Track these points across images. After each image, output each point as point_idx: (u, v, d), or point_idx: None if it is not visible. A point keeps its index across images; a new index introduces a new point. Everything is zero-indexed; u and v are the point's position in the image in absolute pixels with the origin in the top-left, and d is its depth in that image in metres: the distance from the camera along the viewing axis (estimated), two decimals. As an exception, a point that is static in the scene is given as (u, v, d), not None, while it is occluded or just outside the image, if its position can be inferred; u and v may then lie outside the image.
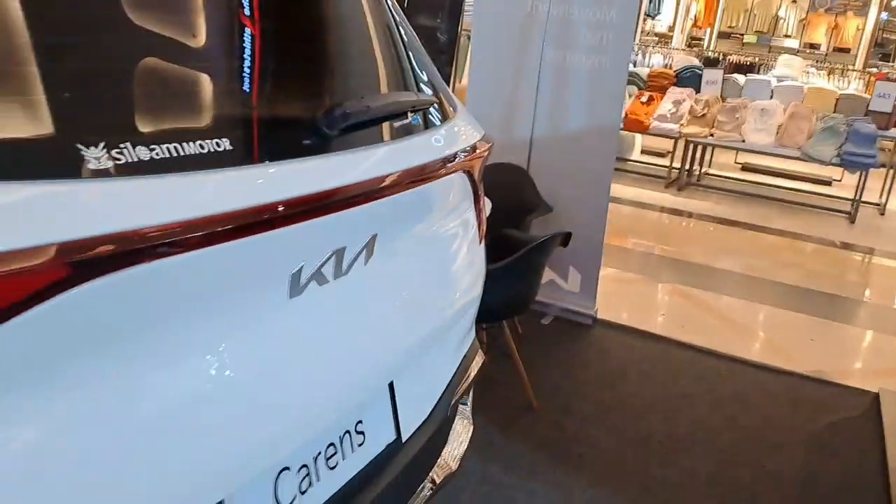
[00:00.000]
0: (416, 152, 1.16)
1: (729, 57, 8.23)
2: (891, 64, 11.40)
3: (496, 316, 2.44)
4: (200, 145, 0.78)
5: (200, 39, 0.84)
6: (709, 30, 11.68)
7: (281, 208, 0.83)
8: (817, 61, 8.70)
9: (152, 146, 0.73)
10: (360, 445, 1.14)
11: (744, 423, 2.67)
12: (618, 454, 2.41)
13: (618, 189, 4.64)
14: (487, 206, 1.67)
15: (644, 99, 6.36)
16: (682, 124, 6.06)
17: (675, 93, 6.37)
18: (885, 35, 12.24)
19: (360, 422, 1.14)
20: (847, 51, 11.27)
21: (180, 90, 0.82)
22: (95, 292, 0.66)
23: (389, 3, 1.31)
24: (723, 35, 11.99)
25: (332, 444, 1.08)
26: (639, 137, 7.18)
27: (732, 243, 5.08)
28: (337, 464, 1.09)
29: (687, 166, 6.48)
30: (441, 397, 1.39)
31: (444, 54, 3.92)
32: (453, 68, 4.91)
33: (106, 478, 0.72)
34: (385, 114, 1.10)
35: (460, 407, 1.59)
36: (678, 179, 6.49)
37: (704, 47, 10.77)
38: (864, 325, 3.91)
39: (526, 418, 2.55)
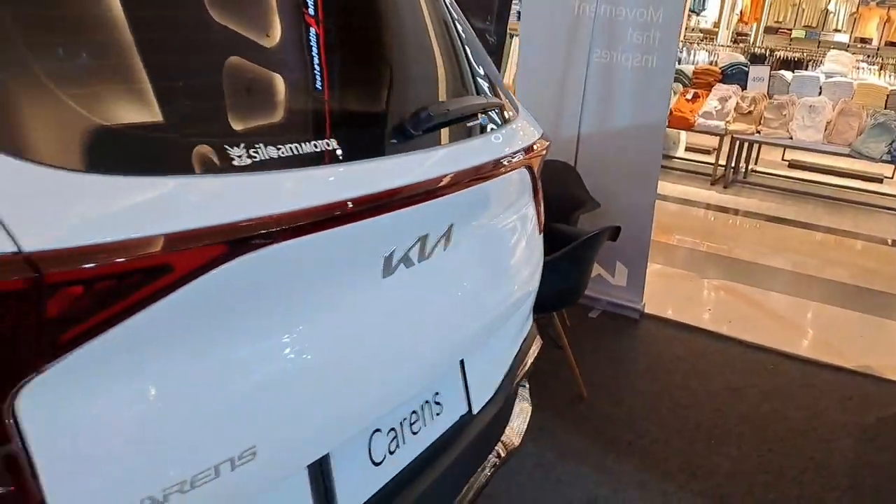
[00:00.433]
0: (485, 150, 1.27)
1: (776, 53, 8.13)
2: (946, 57, 11.07)
3: (547, 306, 2.54)
4: (315, 145, 0.91)
5: (317, 58, 0.97)
6: (755, 25, 11.52)
7: (379, 199, 0.95)
8: (868, 56, 8.53)
9: (278, 146, 0.86)
10: (437, 415, 1.26)
11: (792, 417, 2.71)
12: (666, 443, 2.48)
13: (663, 186, 4.68)
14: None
15: (689, 96, 6.36)
16: (728, 121, 6.04)
17: (720, 90, 6.35)
18: (940, 28, 11.89)
19: (437, 393, 1.26)
20: (900, 45, 11.01)
21: (298, 101, 0.95)
22: (242, 266, 0.79)
23: (455, 12, 1.42)
24: (769, 30, 11.79)
25: (414, 412, 1.20)
26: (683, 134, 7.17)
27: (780, 240, 5.07)
28: (419, 430, 1.21)
29: (733, 163, 6.46)
30: (504, 377, 1.51)
31: (494, 55, 4.04)
32: (501, 69, 5.03)
33: (243, 423, 0.85)
34: (461, 115, 1.22)
35: (520, 389, 1.70)
36: (724, 177, 6.47)
37: (750, 43, 10.64)
38: (915, 323, 3.89)
39: (576, 407, 2.65)
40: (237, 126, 0.85)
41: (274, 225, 0.81)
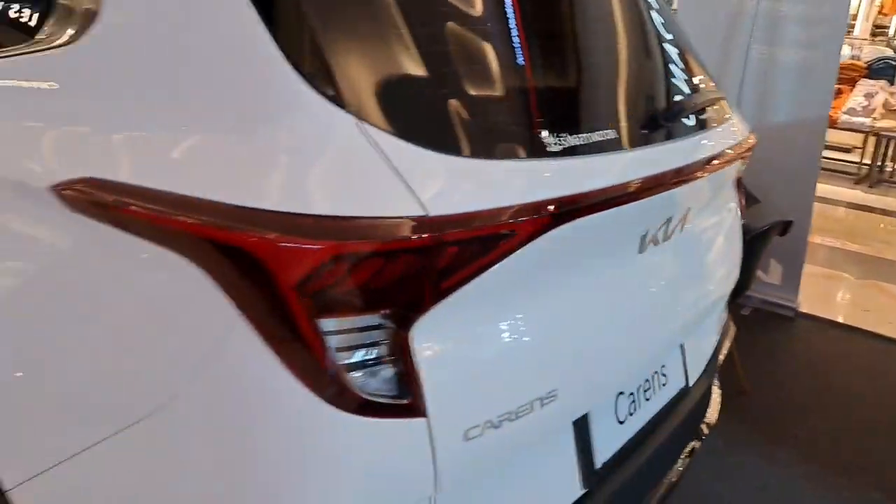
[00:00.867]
0: (717, 141, 1.37)
1: (925, 45, 7.64)
2: None
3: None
4: (603, 134, 1.05)
5: (602, 61, 1.12)
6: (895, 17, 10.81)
7: (655, 181, 1.08)
8: None
9: (582, 134, 1.01)
10: (663, 385, 1.37)
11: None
12: (834, 438, 2.47)
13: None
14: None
15: (831, 92, 6.11)
16: (874, 118, 5.76)
17: (866, 85, 6.06)
18: None
19: (663, 366, 1.38)
20: None
21: (596, 93, 1.10)
22: (556, 235, 0.94)
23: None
24: (912, 22, 11.02)
25: (647, 380, 1.33)
26: (821, 133, 6.86)
27: (936, 243, 4.80)
28: (650, 397, 1.33)
29: (879, 162, 6.15)
30: (709, 361, 1.60)
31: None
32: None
33: (551, 368, 1.00)
34: (700, 108, 1.32)
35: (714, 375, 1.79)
36: (869, 175, 6.17)
37: (890, 36, 10.00)
38: None
39: (739, 400, 2.67)
40: (550, 119, 1.00)
41: (582, 201, 0.96)
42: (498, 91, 0.96)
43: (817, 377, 2.87)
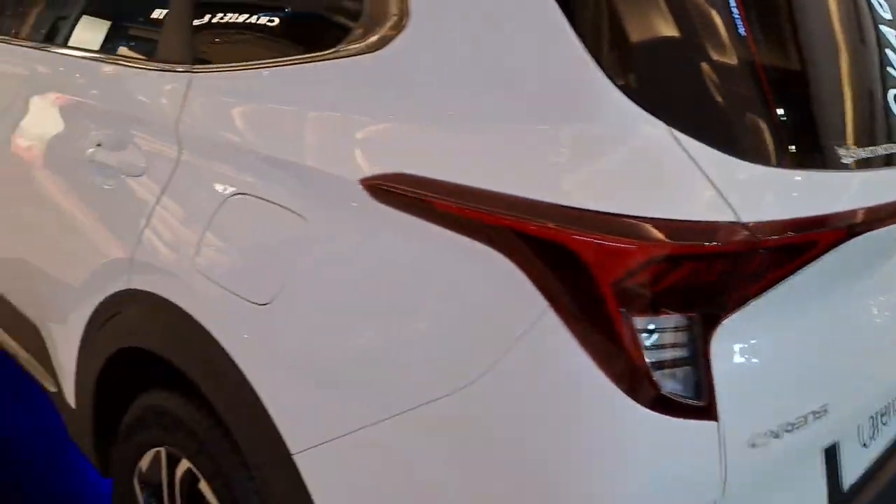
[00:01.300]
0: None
1: None
2: None
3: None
4: (888, 147, 1.03)
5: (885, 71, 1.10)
6: None
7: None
8: None
9: (869, 147, 0.99)
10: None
11: None
12: None
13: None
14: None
15: None
16: None
17: None
18: None
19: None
20: None
21: (879, 106, 1.09)
22: (850, 247, 0.93)
23: None
24: None
25: (887, 404, 1.28)
26: None
27: None
28: (888, 422, 1.28)
29: None
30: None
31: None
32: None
33: (827, 380, 0.99)
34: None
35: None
36: None
37: None
38: None
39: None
40: (843, 131, 0.99)
41: (876, 214, 0.94)
42: (804, 102, 0.97)
43: None
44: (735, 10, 0.93)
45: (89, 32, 1.77)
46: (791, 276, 0.88)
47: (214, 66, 1.29)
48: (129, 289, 1.34)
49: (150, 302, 1.29)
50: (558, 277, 0.84)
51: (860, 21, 1.11)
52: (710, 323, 0.85)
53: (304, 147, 1.09)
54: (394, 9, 1.03)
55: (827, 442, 1.08)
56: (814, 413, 0.96)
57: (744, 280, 0.85)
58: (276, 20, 1.28)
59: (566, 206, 0.83)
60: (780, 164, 0.90)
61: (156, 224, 1.29)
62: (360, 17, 1.09)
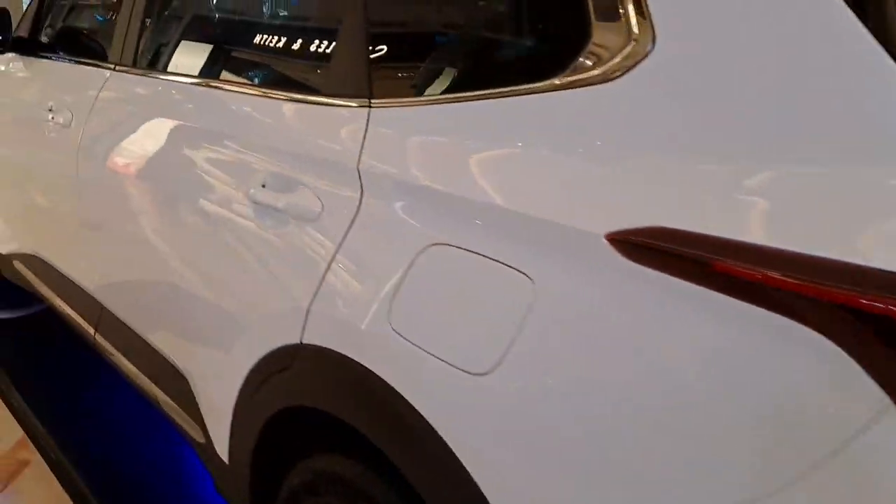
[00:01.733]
0: None
1: None
2: None
3: None
4: None
5: None
6: None
7: None
8: None
9: None
10: None
11: None
12: None
13: None
14: None
15: None
16: None
17: None
18: None
19: None
20: None
21: None
22: None
23: None
24: None
25: None
26: None
27: None
28: None
29: None
30: None
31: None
32: None
33: None
34: None
35: None
36: None
37: None
38: None
39: None
40: None
41: None
42: None
43: None
44: None
45: (233, 63, 1.70)
46: None
47: (400, 98, 1.17)
48: (303, 343, 1.23)
49: (330, 360, 1.17)
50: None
51: None
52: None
53: (523, 193, 0.94)
54: (633, 32, 0.87)
55: None
56: None
57: None
58: (469, 46, 1.15)
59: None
60: None
61: (338, 274, 1.17)
62: (582, 41, 0.93)
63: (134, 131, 1.80)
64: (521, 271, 0.92)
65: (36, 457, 2.27)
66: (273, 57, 1.52)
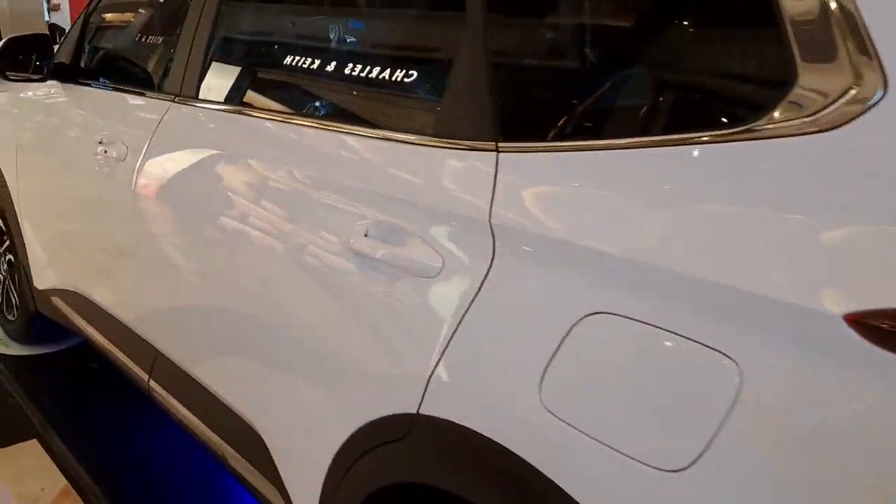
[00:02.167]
0: None
1: None
2: None
3: None
4: None
5: None
6: None
7: None
8: None
9: None
10: None
11: None
12: None
13: None
14: None
15: None
16: None
17: None
18: None
19: None
20: None
21: None
22: None
23: None
24: None
25: None
26: None
27: None
28: None
29: None
30: None
31: None
32: None
33: None
34: None
35: None
36: None
37: None
38: None
39: None
40: None
41: None
42: None
43: None
44: None
45: (325, 99, 1.56)
46: None
47: (537, 143, 1.03)
48: (421, 414, 1.10)
49: (459, 435, 1.03)
50: None
51: None
52: None
53: (718, 260, 0.81)
54: (856, 74, 0.75)
55: None
56: None
57: None
58: (636, 86, 1.02)
59: None
60: None
61: (469, 340, 1.04)
62: (783, 83, 0.81)
63: (203, 169, 1.67)
64: (721, 352, 0.79)
65: (81, 508, 2.14)
66: (374, 92, 1.39)
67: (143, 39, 2.37)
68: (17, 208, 2.69)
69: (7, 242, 2.89)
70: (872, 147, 0.74)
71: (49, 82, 2.44)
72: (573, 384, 0.91)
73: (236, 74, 1.77)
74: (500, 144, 1.06)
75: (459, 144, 1.12)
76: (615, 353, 0.88)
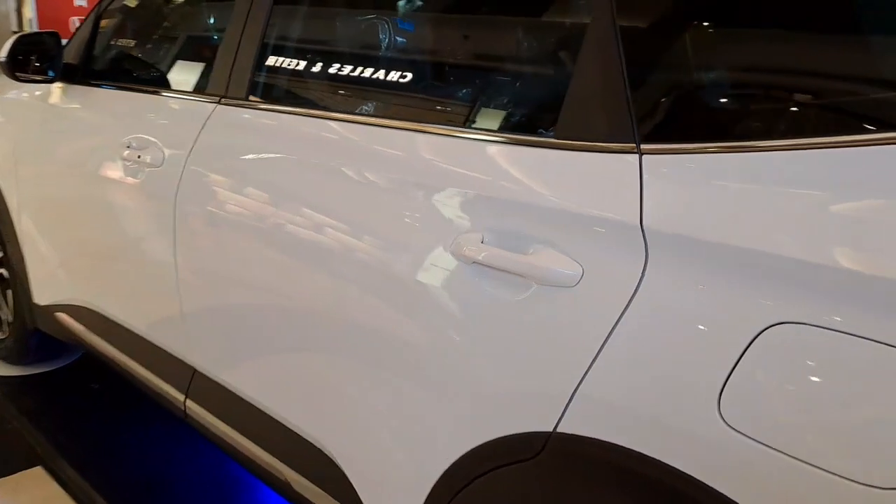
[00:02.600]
0: None
1: None
2: None
3: None
4: None
5: None
6: None
7: None
8: None
9: None
10: None
11: None
12: None
13: None
14: None
15: None
16: None
17: None
18: None
19: None
20: None
21: None
22: None
23: None
24: None
25: None
26: None
27: None
28: None
29: None
30: None
31: None
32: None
33: None
34: None
35: None
36: None
37: None
38: None
39: None
40: None
41: None
42: None
43: None
44: None
45: (419, 96, 1.45)
46: None
47: (690, 143, 0.98)
48: (559, 432, 1.03)
49: (617, 454, 0.96)
50: None
51: None
52: None
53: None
54: None
55: None
56: None
57: None
58: (813, 87, 0.97)
59: None
60: None
61: (624, 353, 0.97)
62: None
63: (266, 174, 1.56)
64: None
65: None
66: (481, 88, 1.31)
67: (167, 39, 2.25)
68: (14, 219, 2.51)
69: (0, 255, 2.70)
70: None
71: (60, 84, 2.29)
72: (762, 399, 0.86)
73: (299, 73, 1.66)
74: (644, 146, 1.01)
75: (591, 147, 1.06)
76: (809, 365, 0.83)
